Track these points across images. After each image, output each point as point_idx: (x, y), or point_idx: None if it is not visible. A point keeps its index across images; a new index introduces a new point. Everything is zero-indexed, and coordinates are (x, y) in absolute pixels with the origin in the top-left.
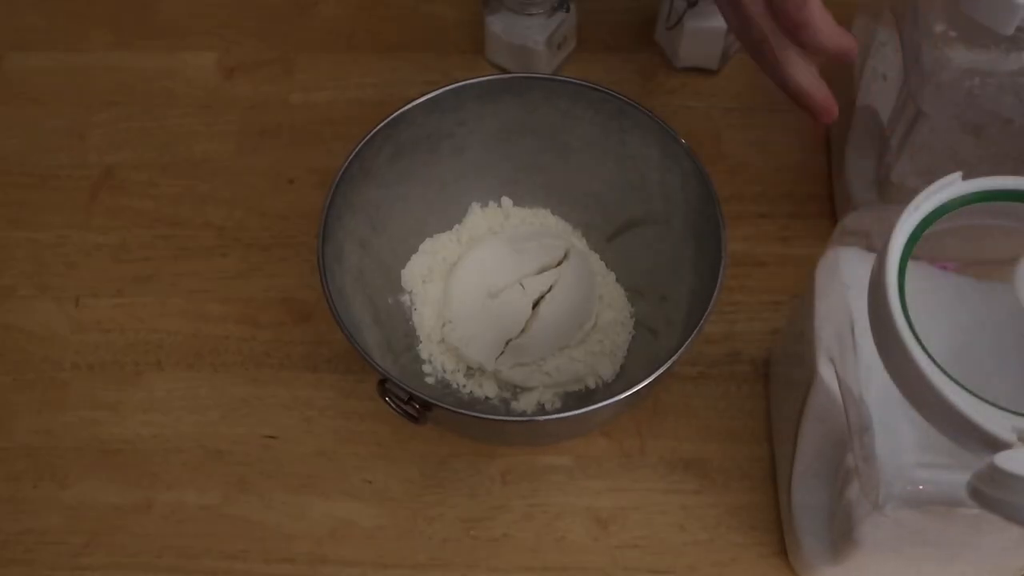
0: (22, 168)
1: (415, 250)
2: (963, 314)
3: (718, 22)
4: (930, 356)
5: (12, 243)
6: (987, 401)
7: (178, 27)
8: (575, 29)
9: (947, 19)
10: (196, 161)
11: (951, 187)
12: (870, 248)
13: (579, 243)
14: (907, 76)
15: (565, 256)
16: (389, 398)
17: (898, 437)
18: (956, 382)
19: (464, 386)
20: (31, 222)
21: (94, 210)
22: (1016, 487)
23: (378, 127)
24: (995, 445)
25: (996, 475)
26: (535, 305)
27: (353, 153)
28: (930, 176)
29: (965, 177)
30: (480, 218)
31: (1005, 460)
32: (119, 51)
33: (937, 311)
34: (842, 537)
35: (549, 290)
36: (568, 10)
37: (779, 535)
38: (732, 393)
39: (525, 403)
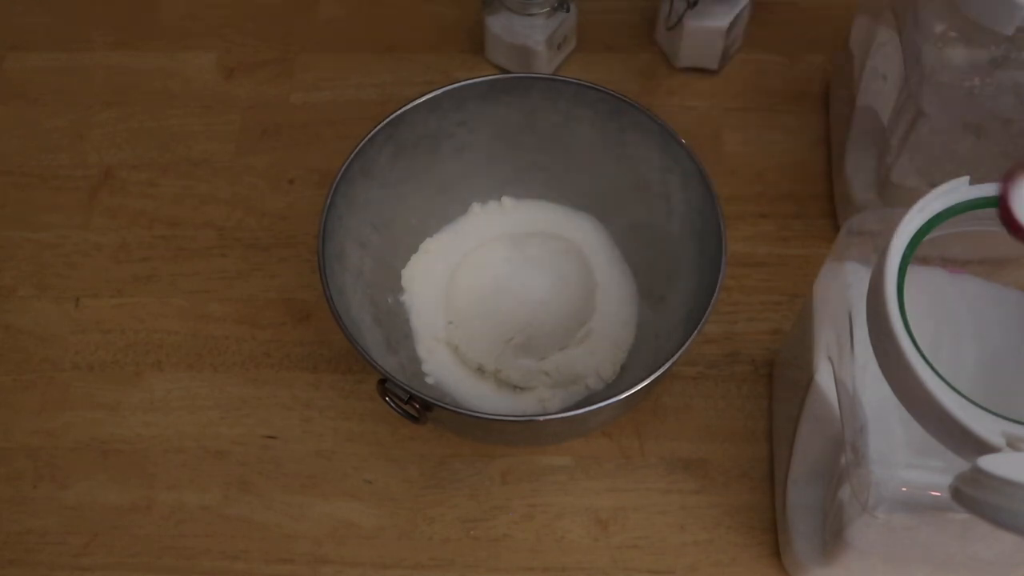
0: (22, 168)
1: (415, 250)
2: (970, 317)
3: (718, 22)
4: (923, 356)
5: (12, 243)
6: (977, 405)
7: (178, 27)
8: (575, 29)
9: (947, 19)
10: (196, 161)
11: (957, 191)
12: (876, 249)
13: (586, 234)
14: (907, 76)
15: (565, 255)
16: (389, 398)
17: (891, 439)
18: (948, 384)
19: (465, 386)
20: (31, 222)
21: (94, 210)
22: (999, 489)
23: (378, 127)
24: (983, 449)
25: (979, 477)
26: (535, 305)
27: (353, 153)
28: (930, 176)
29: (972, 181)
30: (481, 218)
31: (988, 463)
32: (119, 51)
33: (944, 315)
34: (833, 538)
35: (550, 289)
36: (568, 10)
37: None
38: (732, 393)
39: (525, 403)
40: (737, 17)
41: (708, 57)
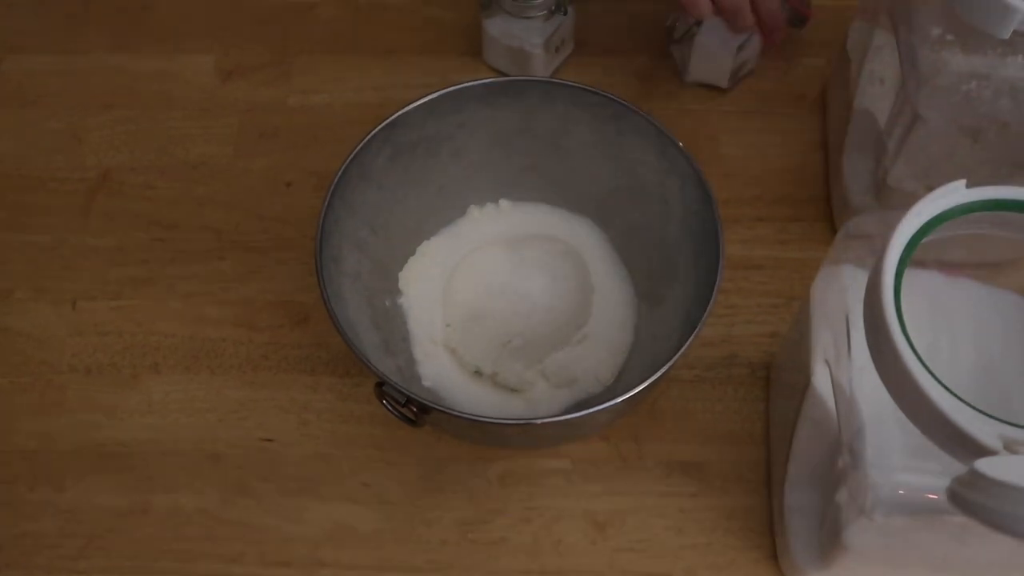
0: (19, 171)
1: (413, 253)
2: (967, 320)
3: (729, 40)
4: (920, 359)
5: (9, 246)
6: (974, 408)
7: (176, 30)
8: (573, 32)
9: (944, 23)
10: (194, 164)
11: (954, 194)
12: (873, 252)
13: (583, 237)
14: (904, 80)
15: (563, 258)
16: (387, 401)
17: (888, 441)
18: (945, 387)
19: (462, 389)
20: (28, 225)
21: (91, 213)
22: (995, 492)
23: (376, 129)
24: (980, 452)
25: (976, 480)
26: (533, 307)
27: (351, 155)
28: (927, 179)
29: (969, 184)
30: (478, 220)
31: (986, 465)
32: (117, 54)
33: (941, 318)
34: (831, 541)
35: (547, 293)
36: (566, 13)
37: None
38: (729, 396)
39: (523, 406)
40: (747, 41)
41: (718, 74)
